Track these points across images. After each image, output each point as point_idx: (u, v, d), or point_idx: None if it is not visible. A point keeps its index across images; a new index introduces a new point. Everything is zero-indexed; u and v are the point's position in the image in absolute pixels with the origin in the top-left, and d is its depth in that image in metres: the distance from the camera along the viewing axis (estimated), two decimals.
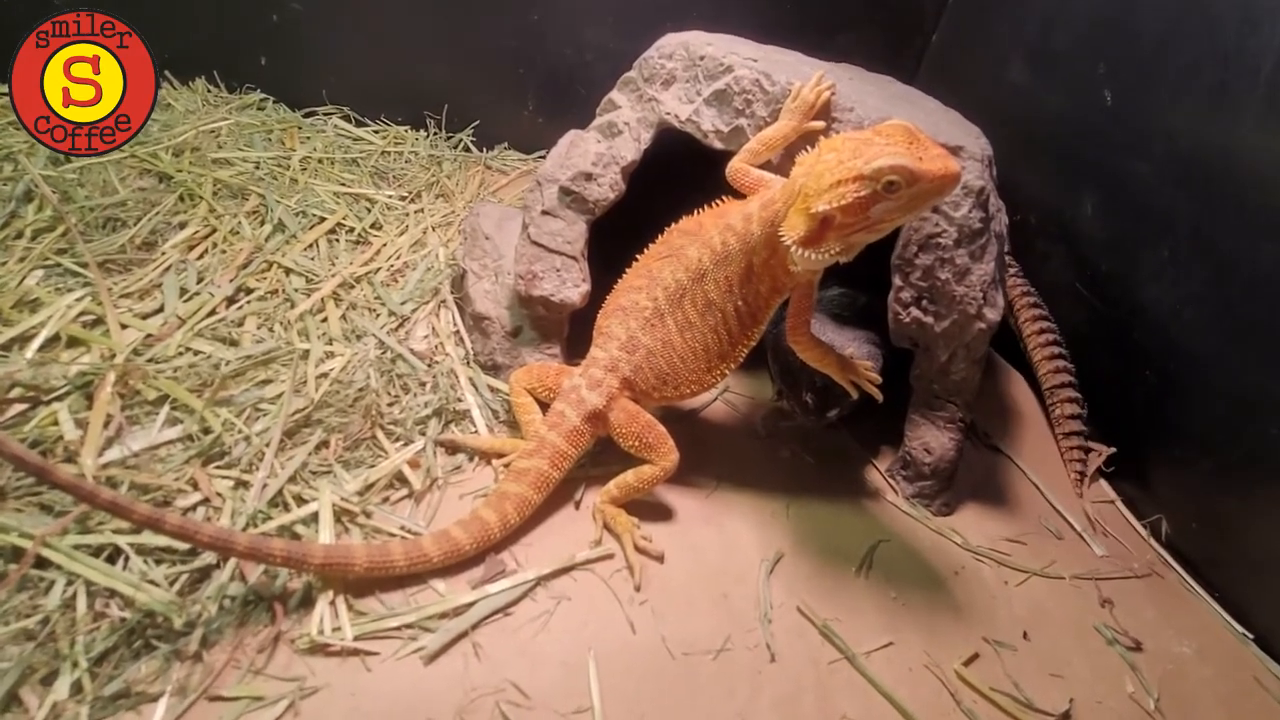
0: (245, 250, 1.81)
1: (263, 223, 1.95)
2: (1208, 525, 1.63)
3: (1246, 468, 1.54)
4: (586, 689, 1.15)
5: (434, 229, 2.13)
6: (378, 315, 1.76)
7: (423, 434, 1.49)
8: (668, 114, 1.54)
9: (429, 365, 1.65)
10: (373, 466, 1.41)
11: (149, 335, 1.51)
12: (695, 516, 1.48)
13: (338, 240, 1.99)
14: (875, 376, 1.44)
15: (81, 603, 1.08)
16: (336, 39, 2.50)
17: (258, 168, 2.16)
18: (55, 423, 1.29)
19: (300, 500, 1.31)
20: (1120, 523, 1.73)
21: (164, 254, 1.75)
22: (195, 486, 1.27)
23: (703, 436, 1.66)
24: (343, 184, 2.22)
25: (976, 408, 1.67)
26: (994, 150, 1.52)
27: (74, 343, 1.46)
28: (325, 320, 1.70)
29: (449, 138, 2.64)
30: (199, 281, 1.70)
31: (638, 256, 1.48)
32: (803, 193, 1.21)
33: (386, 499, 1.39)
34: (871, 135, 1.19)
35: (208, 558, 1.17)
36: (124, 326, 1.52)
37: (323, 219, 2.02)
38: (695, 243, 1.40)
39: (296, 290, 1.75)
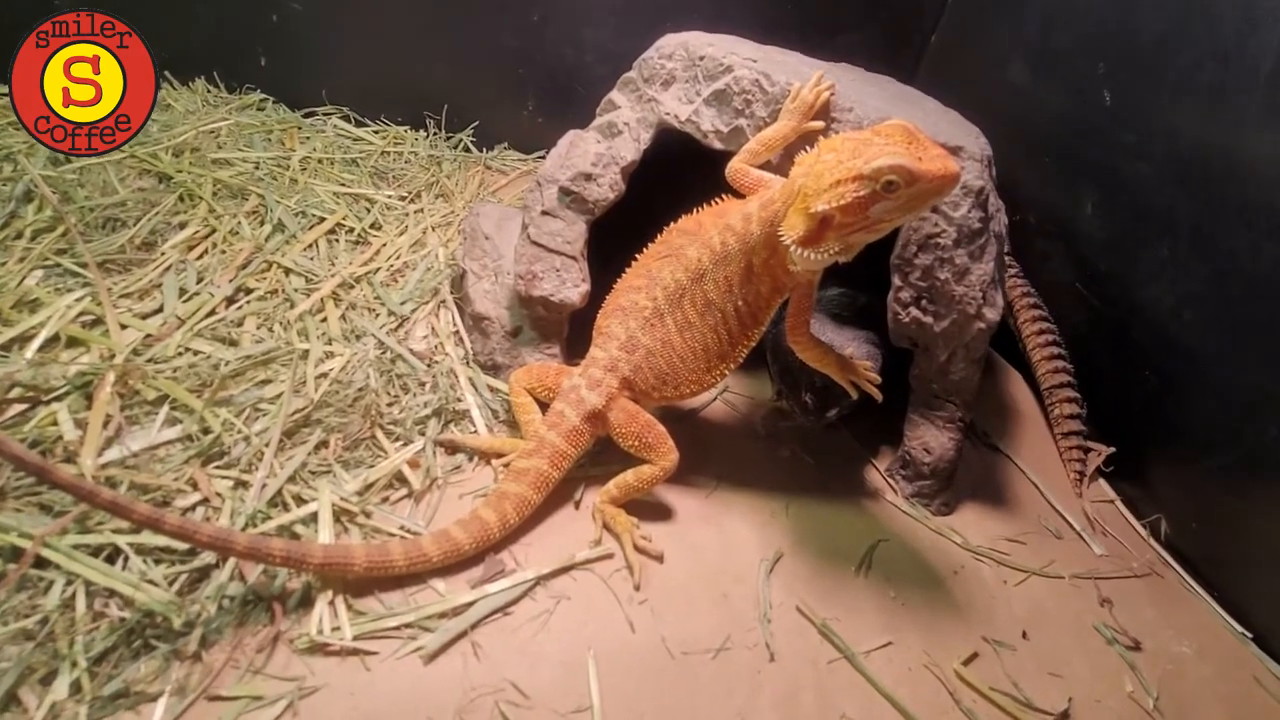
0: (245, 250, 1.81)
1: (262, 223, 1.95)
2: (1207, 525, 1.63)
3: (1246, 467, 1.54)
4: (586, 688, 1.15)
5: (434, 229, 2.13)
6: (377, 315, 1.76)
7: (422, 434, 1.49)
8: (667, 114, 1.54)
9: (428, 365, 1.65)
10: (372, 466, 1.41)
11: (148, 335, 1.51)
12: (695, 516, 1.48)
13: (337, 240, 1.99)
14: (875, 376, 1.43)
15: (81, 602, 1.08)
16: (336, 39, 2.50)
17: (257, 168, 2.16)
18: (55, 423, 1.29)
19: (299, 500, 1.31)
20: (1119, 522, 1.73)
21: (163, 254, 1.75)
22: (194, 486, 1.27)
23: (702, 436, 1.66)
24: (342, 184, 2.22)
25: (976, 407, 1.67)
26: (993, 150, 1.52)
27: (73, 343, 1.47)
28: (325, 320, 1.70)
29: (449, 138, 2.65)
30: (198, 282, 1.70)
31: (637, 256, 1.48)
32: (802, 192, 1.21)
33: (386, 499, 1.39)
34: (871, 135, 1.19)
35: (207, 558, 1.17)
36: (123, 326, 1.52)
37: (322, 219, 2.02)
38: (695, 242, 1.40)
39: (296, 290, 1.75)
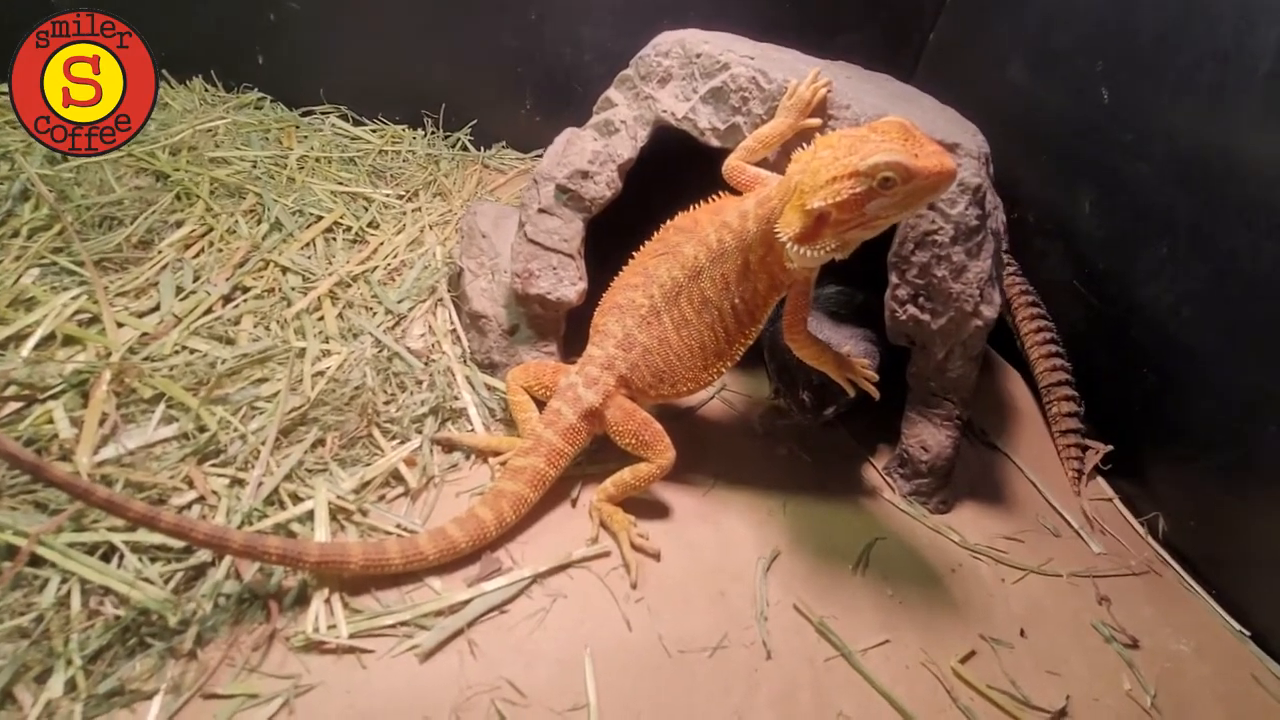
0: (242, 249, 1.81)
1: (260, 221, 1.95)
2: (1205, 523, 1.63)
3: (1245, 466, 1.54)
4: (582, 686, 1.15)
5: (431, 227, 2.13)
6: (374, 314, 1.76)
7: (419, 432, 1.49)
8: (664, 112, 1.54)
9: (425, 363, 1.64)
10: (369, 464, 1.40)
11: (145, 333, 1.51)
12: (692, 514, 1.48)
13: (335, 239, 1.99)
14: (872, 374, 1.43)
15: (76, 600, 1.08)
16: (334, 38, 2.50)
17: (255, 166, 2.15)
18: (50, 421, 1.29)
19: (296, 498, 1.31)
20: (1118, 520, 1.73)
21: (160, 252, 1.75)
22: (190, 484, 1.27)
23: (699, 434, 1.66)
24: (340, 183, 2.22)
25: (973, 405, 1.67)
26: (992, 148, 1.52)
27: (70, 341, 1.46)
28: (322, 319, 1.70)
29: (446, 136, 2.64)
30: (195, 280, 1.69)
31: (634, 254, 1.48)
32: (799, 189, 1.21)
33: (382, 497, 1.38)
34: (867, 132, 1.19)
35: (203, 555, 1.17)
36: (120, 325, 1.52)
37: (320, 218, 2.02)
38: (692, 240, 1.40)
39: (293, 289, 1.75)
